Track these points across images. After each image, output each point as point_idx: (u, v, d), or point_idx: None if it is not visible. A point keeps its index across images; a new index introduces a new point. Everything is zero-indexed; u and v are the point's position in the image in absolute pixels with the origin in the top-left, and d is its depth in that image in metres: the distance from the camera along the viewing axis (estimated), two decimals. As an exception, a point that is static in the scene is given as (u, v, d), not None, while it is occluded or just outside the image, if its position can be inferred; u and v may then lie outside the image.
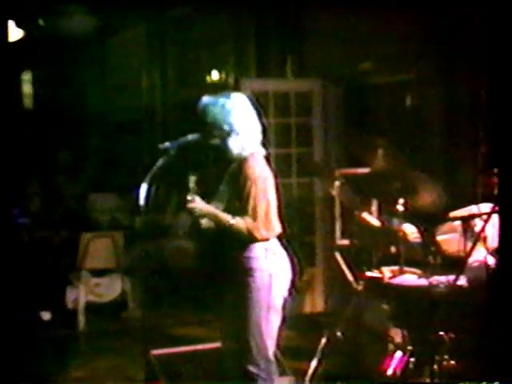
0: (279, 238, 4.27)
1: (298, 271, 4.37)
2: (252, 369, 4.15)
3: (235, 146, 4.17)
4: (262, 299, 4.14)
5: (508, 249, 3.39)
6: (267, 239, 4.14)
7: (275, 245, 4.22)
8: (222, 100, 4.19)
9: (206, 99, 4.22)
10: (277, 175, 4.31)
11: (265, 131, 4.32)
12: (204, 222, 4.23)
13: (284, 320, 4.28)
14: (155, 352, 5.99)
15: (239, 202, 4.11)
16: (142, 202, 4.12)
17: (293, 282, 4.29)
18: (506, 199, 3.37)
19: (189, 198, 4.12)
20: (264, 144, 4.31)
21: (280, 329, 4.27)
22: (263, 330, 4.15)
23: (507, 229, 3.38)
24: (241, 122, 4.17)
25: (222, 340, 4.41)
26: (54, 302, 7.54)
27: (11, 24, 9.29)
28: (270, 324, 4.17)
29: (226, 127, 4.15)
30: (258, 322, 4.14)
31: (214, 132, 4.17)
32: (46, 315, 7.50)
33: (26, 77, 11.78)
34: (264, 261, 4.14)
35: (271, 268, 4.15)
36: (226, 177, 4.25)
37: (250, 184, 4.07)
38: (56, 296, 7.56)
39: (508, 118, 3.36)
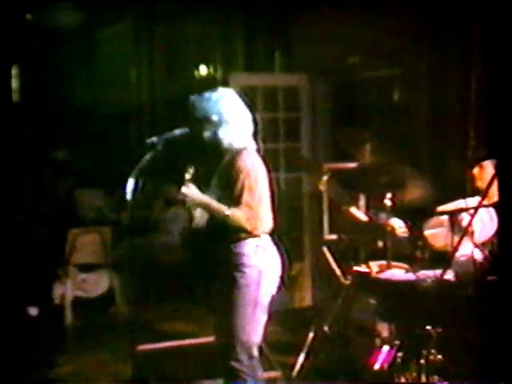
0: (270, 234, 4.26)
1: (286, 268, 4.36)
2: (235, 364, 4.14)
3: (226, 136, 4.17)
4: (250, 296, 4.13)
5: (504, 244, 3.39)
6: (258, 233, 4.13)
7: (266, 241, 4.21)
8: (208, 93, 4.23)
9: (195, 95, 4.25)
10: (270, 170, 4.30)
11: (256, 125, 4.32)
12: (197, 216, 4.21)
13: (270, 317, 4.27)
14: (142, 347, 5.99)
15: (231, 196, 4.08)
16: (128, 196, 4.10)
17: (281, 279, 4.29)
18: (505, 193, 3.37)
19: (183, 189, 4.10)
20: (255, 138, 4.31)
21: (266, 326, 4.27)
22: (248, 327, 4.14)
23: (505, 223, 3.38)
24: (229, 112, 4.18)
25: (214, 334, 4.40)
26: (41, 297, 7.52)
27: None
28: (255, 320, 4.17)
29: (214, 118, 4.16)
30: (244, 318, 4.13)
31: (205, 125, 4.17)
32: (34, 311, 7.47)
33: (13, 71, 11.73)
34: (254, 257, 4.13)
35: (261, 265, 4.15)
36: (218, 171, 4.22)
37: (244, 176, 4.06)
38: (43, 291, 7.54)
39: (504, 112, 3.37)
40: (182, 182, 4.11)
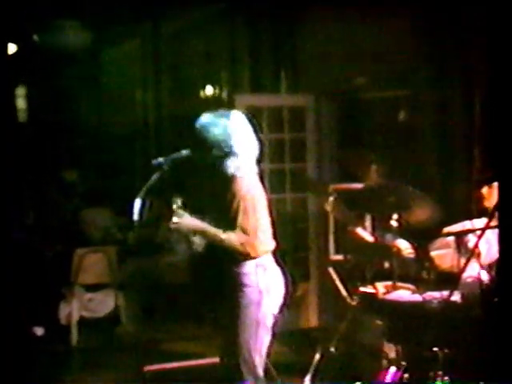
0: (273, 253, 4.27)
1: (290, 287, 4.35)
2: None
3: (231, 166, 4.17)
4: (251, 315, 4.14)
5: (505, 263, 3.40)
6: (257, 255, 4.15)
7: (267, 261, 4.21)
8: (223, 121, 4.20)
9: (206, 117, 4.23)
10: (268, 192, 4.32)
11: (261, 148, 4.32)
12: (195, 240, 4.23)
13: (274, 337, 4.27)
14: (149, 367, 5.99)
15: (227, 219, 4.11)
16: (135, 216, 4.12)
17: (285, 299, 4.29)
18: (505, 214, 3.38)
19: (174, 219, 4.11)
20: (258, 161, 4.32)
21: (270, 346, 4.26)
22: (251, 347, 4.14)
23: (506, 244, 3.39)
24: (239, 144, 4.18)
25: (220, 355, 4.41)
26: (47, 317, 7.52)
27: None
28: (258, 341, 4.17)
29: (226, 149, 4.16)
30: (247, 338, 4.14)
31: (213, 151, 4.18)
32: (40, 330, 7.47)
33: (21, 92, 11.79)
34: (254, 277, 4.14)
35: (261, 284, 4.15)
36: (216, 194, 4.26)
37: (238, 200, 4.09)
38: (49, 311, 7.54)
39: (505, 131, 3.38)
40: (172, 212, 4.12)
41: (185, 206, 4.15)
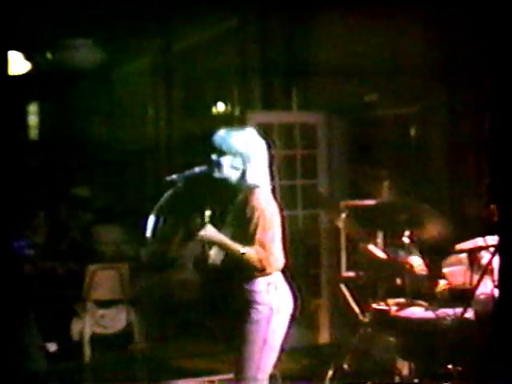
0: (283, 271, 4.28)
1: (298, 306, 4.35)
2: None
3: (251, 179, 4.22)
4: (259, 333, 4.14)
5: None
6: (271, 271, 4.16)
7: (278, 279, 4.23)
8: (241, 134, 4.26)
9: (224, 131, 4.26)
10: (282, 208, 4.34)
11: (271, 164, 4.36)
12: (212, 254, 4.25)
13: (281, 354, 4.27)
14: (162, 384, 6.00)
15: (245, 233, 4.13)
16: (148, 233, 4.14)
17: (293, 317, 4.28)
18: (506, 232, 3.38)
19: (201, 232, 4.14)
20: (272, 177, 4.35)
21: (275, 364, 4.27)
22: (256, 364, 4.15)
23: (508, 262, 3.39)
24: (258, 158, 4.24)
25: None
26: (59, 333, 7.53)
27: (19, 57, 9.41)
28: (263, 358, 4.17)
29: (245, 162, 4.21)
30: (252, 355, 4.14)
31: (232, 164, 4.22)
32: (52, 347, 7.48)
33: (33, 108, 11.86)
34: (266, 295, 4.15)
35: (272, 302, 4.16)
36: (233, 208, 4.27)
37: (258, 214, 4.11)
38: (62, 327, 7.55)
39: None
40: (200, 224, 4.14)
41: (211, 219, 4.17)
